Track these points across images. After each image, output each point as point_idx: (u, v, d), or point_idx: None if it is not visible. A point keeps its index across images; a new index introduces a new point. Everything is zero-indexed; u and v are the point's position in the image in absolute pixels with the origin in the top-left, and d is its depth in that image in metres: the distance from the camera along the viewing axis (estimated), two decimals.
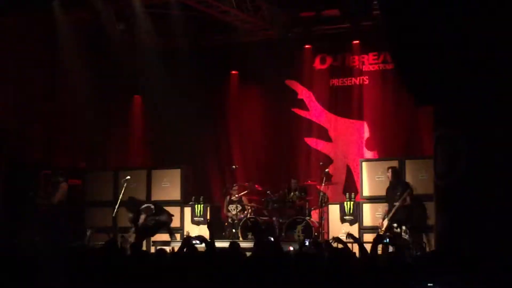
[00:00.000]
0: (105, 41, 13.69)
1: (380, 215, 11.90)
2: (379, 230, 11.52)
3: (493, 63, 8.78)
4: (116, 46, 13.72)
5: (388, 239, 8.29)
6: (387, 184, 12.00)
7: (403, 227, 11.38)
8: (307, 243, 8.86)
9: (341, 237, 7.76)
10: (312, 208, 13.13)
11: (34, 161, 13.67)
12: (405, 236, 11.26)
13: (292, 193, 13.11)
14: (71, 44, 13.41)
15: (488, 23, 8.59)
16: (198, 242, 7.11)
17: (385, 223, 11.54)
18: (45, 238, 11.49)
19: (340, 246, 7.28)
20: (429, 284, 5.52)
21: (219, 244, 8.13)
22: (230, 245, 7.60)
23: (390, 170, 11.95)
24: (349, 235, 8.37)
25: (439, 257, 6.91)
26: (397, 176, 11.94)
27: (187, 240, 7.32)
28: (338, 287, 5.61)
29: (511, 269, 6.06)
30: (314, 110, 14.68)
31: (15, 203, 12.73)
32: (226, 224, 13.43)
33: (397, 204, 11.44)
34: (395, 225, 11.36)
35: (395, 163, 12.35)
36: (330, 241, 8.68)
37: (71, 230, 12.52)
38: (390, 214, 11.50)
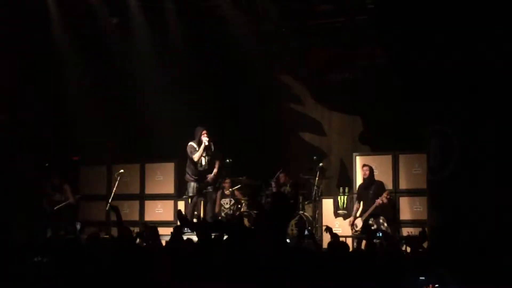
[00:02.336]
0: (99, 35, 13.66)
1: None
2: (353, 228, 11.58)
3: (485, 57, 8.81)
4: (109, 39, 13.69)
5: (381, 234, 8.34)
6: (379, 178, 12.04)
7: (380, 220, 11.45)
8: (306, 233, 8.91)
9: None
10: (306, 202, 13.14)
11: (27, 154, 13.64)
12: (385, 228, 11.34)
13: (285, 187, 13.12)
14: (65, 39, 13.43)
15: (482, 16, 8.63)
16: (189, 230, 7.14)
17: (359, 221, 11.59)
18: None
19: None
20: (421, 278, 5.58)
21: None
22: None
23: (367, 168, 11.94)
24: (328, 229, 8.43)
25: (431, 251, 6.96)
26: (372, 175, 11.96)
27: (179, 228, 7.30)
28: (335, 280, 5.64)
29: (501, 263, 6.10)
30: (308, 104, 14.67)
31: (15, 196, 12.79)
32: (219, 218, 13.42)
33: (373, 205, 11.52)
34: (370, 220, 11.42)
35: (388, 158, 12.39)
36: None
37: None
38: (366, 214, 11.53)
